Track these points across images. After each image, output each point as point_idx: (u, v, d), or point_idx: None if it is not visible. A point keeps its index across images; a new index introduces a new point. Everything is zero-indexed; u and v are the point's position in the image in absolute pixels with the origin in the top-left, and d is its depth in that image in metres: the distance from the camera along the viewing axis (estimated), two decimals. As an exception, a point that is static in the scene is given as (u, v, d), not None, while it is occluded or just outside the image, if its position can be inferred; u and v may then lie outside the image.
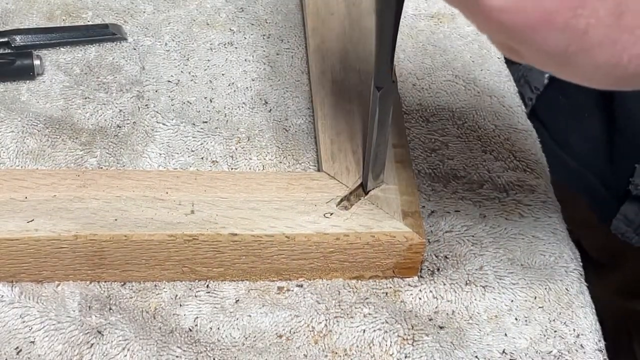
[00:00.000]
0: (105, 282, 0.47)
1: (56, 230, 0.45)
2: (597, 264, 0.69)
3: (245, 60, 0.61)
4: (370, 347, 0.46)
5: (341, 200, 0.48)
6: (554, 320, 0.47)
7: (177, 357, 0.44)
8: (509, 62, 0.64)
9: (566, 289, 0.49)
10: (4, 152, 0.53)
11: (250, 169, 0.53)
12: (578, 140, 0.68)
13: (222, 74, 0.59)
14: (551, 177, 0.55)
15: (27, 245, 0.45)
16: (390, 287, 0.48)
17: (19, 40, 0.59)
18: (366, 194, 0.48)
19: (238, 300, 0.47)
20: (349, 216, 0.47)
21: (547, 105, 0.70)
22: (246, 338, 0.46)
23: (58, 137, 0.54)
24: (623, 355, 0.76)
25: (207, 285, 0.48)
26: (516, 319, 0.47)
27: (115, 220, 0.45)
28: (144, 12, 0.63)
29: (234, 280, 0.48)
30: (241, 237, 0.46)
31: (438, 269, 0.49)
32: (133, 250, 0.45)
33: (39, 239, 0.44)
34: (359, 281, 0.48)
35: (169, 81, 0.58)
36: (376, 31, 0.43)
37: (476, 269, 0.49)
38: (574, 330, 0.47)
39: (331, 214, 0.47)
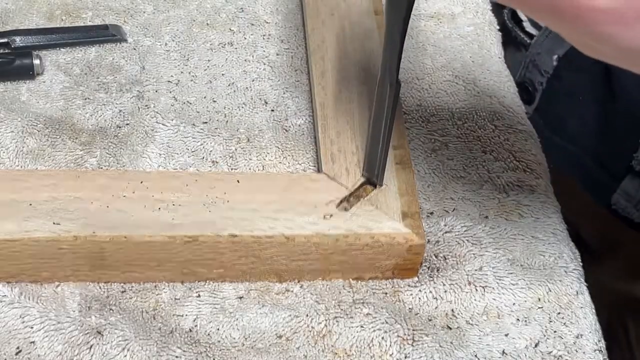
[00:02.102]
0: (105, 282, 0.47)
1: (56, 231, 0.45)
2: (594, 250, 0.69)
3: (245, 60, 0.60)
4: (370, 347, 0.46)
5: (341, 202, 0.48)
6: (554, 320, 0.47)
7: (177, 357, 0.44)
8: (516, 47, 0.63)
9: (566, 289, 0.49)
10: (3, 152, 0.53)
11: (250, 169, 0.53)
12: (574, 123, 0.67)
13: (222, 74, 0.59)
14: (547, 160, 0.55)
15: (26, 246, 0.45)
16: (390, 288, 0.48)
17: (18, 41, 0.59)
18: (379, 185, 0.49)
19: (238, 300, 0.47)
20: (348, 217, 0.47)
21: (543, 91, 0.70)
22: (246, 338, 0.46)
23: (58, 137, 0.54)
24: (618, 340, 0.76)
25: (207, 286, 0.48)
26: (516, 319, 0.47)
27: (115, 221, 0.45)
28: (144, 12, 0.63)
29: (234, 281, 0.48)
30: (241, 238, 0.46)
31: (438, 270, 0.49)
32: (133, 251, 0.45)
33: (39, 239, 0.44)
34: (359, 281, 0.48)
35: (169, 81, 0.58)
36: (386, 27, 0.43)
37: (476, 270, 0.49)
38: (574, 330, 0.47)
39: (331, 216, 0.47)
